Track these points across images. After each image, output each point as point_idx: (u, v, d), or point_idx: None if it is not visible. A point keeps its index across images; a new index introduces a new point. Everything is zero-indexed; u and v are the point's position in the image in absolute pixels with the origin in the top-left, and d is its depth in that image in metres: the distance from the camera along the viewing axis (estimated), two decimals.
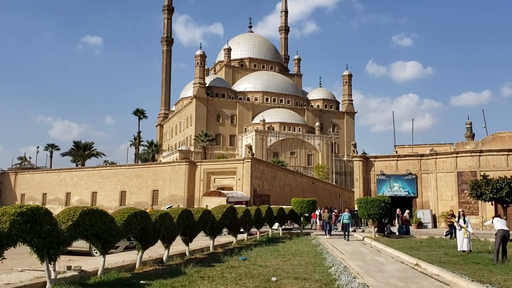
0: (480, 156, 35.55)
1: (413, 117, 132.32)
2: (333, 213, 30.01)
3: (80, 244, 15.20)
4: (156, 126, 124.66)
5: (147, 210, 17.38)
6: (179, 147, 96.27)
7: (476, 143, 36.88)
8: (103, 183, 59.02)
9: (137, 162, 77.84)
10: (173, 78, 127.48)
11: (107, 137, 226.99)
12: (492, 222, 15.66)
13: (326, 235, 26.61)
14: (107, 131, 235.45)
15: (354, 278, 11.62)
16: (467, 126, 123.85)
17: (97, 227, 11.15)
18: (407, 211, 33.71)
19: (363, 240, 24.10)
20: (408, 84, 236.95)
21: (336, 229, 34.85)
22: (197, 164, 51.53)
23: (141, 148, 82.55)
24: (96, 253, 18.06)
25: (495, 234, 15.27)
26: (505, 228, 15.04)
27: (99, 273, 11.65)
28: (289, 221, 30.47)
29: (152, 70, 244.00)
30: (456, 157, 36.77)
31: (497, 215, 16.26)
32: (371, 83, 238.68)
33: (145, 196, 53.97)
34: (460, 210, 19.98)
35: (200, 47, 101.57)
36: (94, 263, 13.36)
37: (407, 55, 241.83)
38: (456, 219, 18.34)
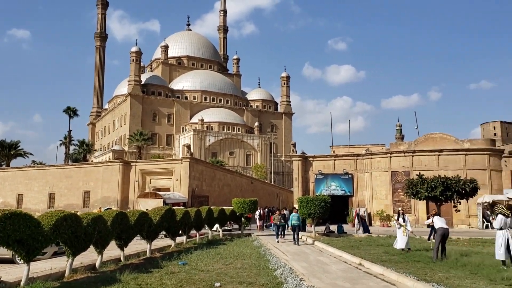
0: (413, 156, 36.90)
1: (346, 119, 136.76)
2: (281, 212, 26.52)
3: (1, 251, 13.77)
4: (88, 125, 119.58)
5: (96, 211, 16.12)
6: (112, 146, 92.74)
7: (410, 143, 38.21)
8: (30, 185, 55.37)
9: (68, 162, 74.01)
10: (106, 75, 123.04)
11: (36, 136, 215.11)
12: (433, 221, 15.95)
13: (277, 239, 23.31)
14: (36, 130, 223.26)
15: (301, 280, 11.23)
16: (397, 128, 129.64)
17: (21, 233, 9.98)
18: (363, 209, 34.44)
19: (313, 244, 22.23)
20: (342, 87, 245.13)
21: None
22: (131, 164, 49.56)
23: (71, 147, 78.81)
24: (20, 260, 16.50)
25: (435, 232, 15.53)
26: (445, 226, 15.34)
27: (22, 283, 10.45)
28: (228, 222, 29.82)
29: (85, 66, 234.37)
30: (390, 157, 37.94)
31: (437, 213, 16.61)
32: (307, 85, 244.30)
33: (76, 198, 51.20)
34: (399, 209, 20.36)
35: (136, 44, 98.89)
36: (17, 272, 12.08)
37: (342, 58, 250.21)
38: (396, 217, 18.59)
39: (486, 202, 33.79)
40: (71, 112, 77.81)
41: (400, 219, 17.95)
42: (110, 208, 35.60)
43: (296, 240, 21.98)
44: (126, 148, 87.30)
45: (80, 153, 77.64)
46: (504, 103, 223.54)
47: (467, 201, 27.71)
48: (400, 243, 17.84)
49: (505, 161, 36.31)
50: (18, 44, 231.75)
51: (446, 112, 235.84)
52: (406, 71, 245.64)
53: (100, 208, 41.43)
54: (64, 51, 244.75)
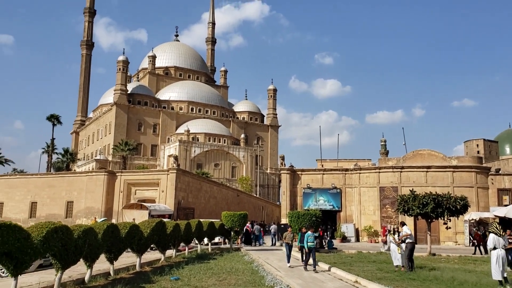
0: (401, 172, 36.96)
1: (331, 133, 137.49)
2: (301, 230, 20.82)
3: None
4: (71, 134, 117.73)
5: (91, 222, 15.55)
6: (95, 156, 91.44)
7: (398, 159, 38.30)
8: (11, 193, 53.97)
9: (50, 171, 72.61)
10: (91, 83, 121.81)
11: (16, 143, 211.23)
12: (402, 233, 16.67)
13: (288, 262, 19.20)
14: (16, 137, 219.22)
15: None
16: (382, 143, 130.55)
17: (10, 245, 9.46)
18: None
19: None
20: (328, 101, 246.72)
21: (264, 243, 34.26)
22: (117, 174, 48.77)
23: (54, 156, 77.33)
24: (4, 272, 15.86)
25: (406, 247, 16.98)
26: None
27: None
28: (220, 236, 29.24)
29: (69, 73, 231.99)
30: (379, 172, 37.94)
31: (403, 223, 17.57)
32: (293, 98, 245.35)
33: (59, 207, 50.05)
34: (394, 226, 20.24)
35: (123, 53, 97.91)
36: (2, 287, 11.47)
37: (328, 73, 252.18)
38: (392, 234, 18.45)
39: (473, 219, 33.93)
40: (55, 120, 76.46)
41: (396, 236, 17.81)
42: (107, 219, 34.81)
43: (313, 265, 17.84)
44: (110, 158, 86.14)
45: (63, 162, 76.29)
46: (486, 121, 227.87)
47: (457, 218, 27.75)
48: (395, 260, 17.67)
49: (492, 179, 36.61)
50: (0, 49, 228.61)
51: (430, 128, 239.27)
52: (391, 87, 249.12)
53: (95, 218, 40.59)
54: (48, 57, 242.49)
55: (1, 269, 16.08)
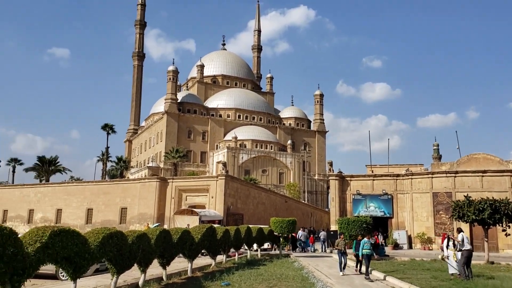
0: (455, 177, 35.63)
1: (381, 138, 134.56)
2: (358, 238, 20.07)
3: (45, 266, 13.83)
4: (124, 142, 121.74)
5: (144, 228, 16.13)
6: (148, 163, 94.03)
7: (452, 164, 36.98)
8: (69, 200, 56.53)
9: (105, 179, 75.41)
10: (143, 93, 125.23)
11: (72, 152, 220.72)
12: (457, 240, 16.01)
13: (341, 271, 18.75)
14: (72, 145, 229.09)
15: None
16: (434, 147, 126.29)
17: (69, 250, 9.92)
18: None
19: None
20: (377, 105, 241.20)
21: (316, 250, 33.97)
22: (168, 181, 49.97)
23: (109, 164, 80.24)
24: (63, 276, 16.62)
25: (461, 254, 16.38)
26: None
27: None
28: (269, 243, 29.29)
29: (121, 83, 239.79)
30: (432, 177, 36.76)
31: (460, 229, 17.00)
32: (341, 103, 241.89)
33: (113, 214, 51.85)
34: (449, 233, 19.55)
35: (173, 63, 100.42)
36: None
37: (377, 76, 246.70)
38: (446, 243, 17.78)
39: None
40: (109, 129, 79.44)
41: (451, 243, 17.21)
42: (160, 225, 35.64)
43: (366, 272, 17.50)
44: (161, 165, 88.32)
45: (117, 170, 79.04)
46: None
47: None
48: (452, 268, 17.07)
49: None
50: (57, 62, 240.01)
51: (485, 131, 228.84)
52: (443, 90, 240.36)
53: (148, 224, 41.76)
54: (101, 69, 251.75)
55: (61, 273, 16.86)
